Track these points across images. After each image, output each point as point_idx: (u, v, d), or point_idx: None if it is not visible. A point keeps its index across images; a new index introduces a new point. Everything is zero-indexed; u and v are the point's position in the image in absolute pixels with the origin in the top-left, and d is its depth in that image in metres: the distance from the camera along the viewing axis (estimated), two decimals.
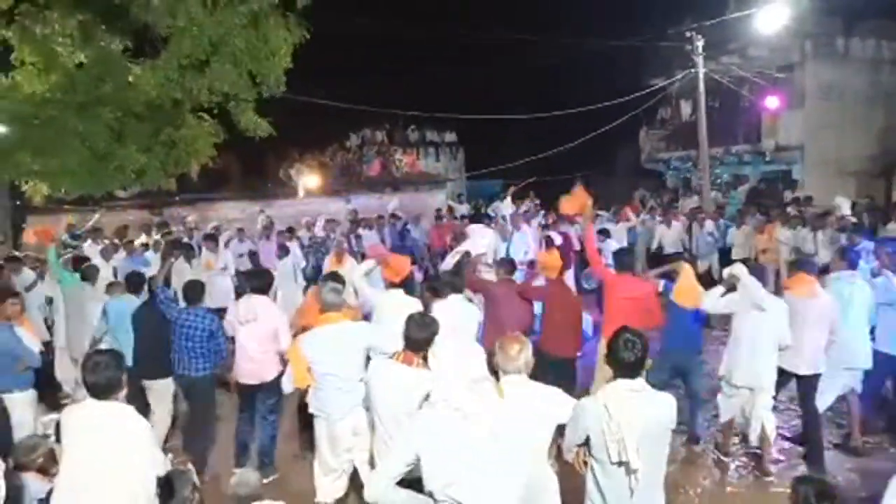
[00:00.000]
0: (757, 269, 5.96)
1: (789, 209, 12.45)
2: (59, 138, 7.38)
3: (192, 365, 5.42)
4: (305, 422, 5.63)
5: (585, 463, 3.08)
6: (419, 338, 3.57)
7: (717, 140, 17.34)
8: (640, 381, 3.00)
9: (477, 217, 16.90)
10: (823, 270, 5.99)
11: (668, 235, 12.85)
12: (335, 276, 5.12)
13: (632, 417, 2.87)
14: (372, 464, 4.05)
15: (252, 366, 5.39)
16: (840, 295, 5.49)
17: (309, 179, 17.46)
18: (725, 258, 11.53)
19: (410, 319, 3.64)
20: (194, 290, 5.60)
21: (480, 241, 9.28)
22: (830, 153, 16.80)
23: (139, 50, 8.06)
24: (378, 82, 16.98)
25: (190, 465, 3.80)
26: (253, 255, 10.92)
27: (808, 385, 5.45)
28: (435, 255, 14.29)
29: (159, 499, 3.24)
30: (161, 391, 5.77)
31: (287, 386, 5.27)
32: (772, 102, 16.56)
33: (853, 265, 5.82)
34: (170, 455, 3.62)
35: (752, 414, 5.31)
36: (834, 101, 17.01)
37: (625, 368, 2.98)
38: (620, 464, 2.88)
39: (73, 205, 14.75)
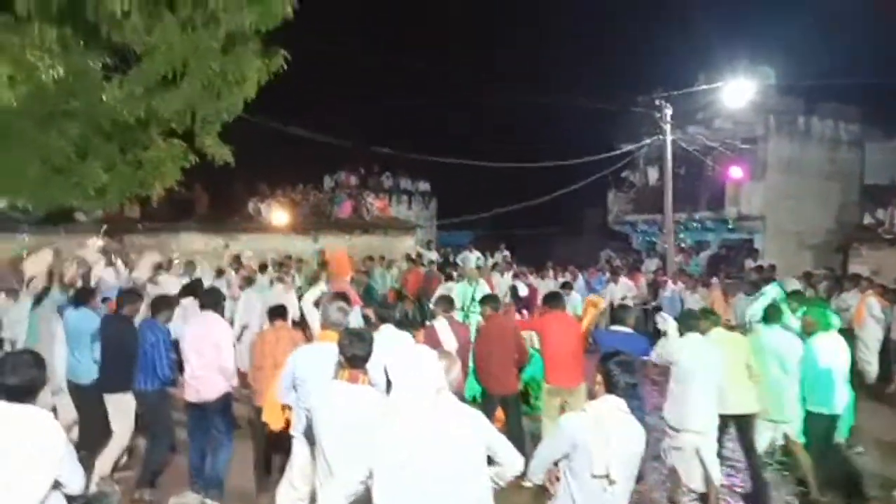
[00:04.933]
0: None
1: (752, 276, 12.71)
2: (19, 150, 7.15)
3: (141, 378, 5.34)
4: (262, 452, 5.59)
5: (557, 478, 3.14)
6: (361, 354, 3.42)
7: (682, 206, 17.81)
8: (624, 404, 3.12)
9: (445, 264, 16.95)
10: None
11: (616, 291, 13.16)
12: (343, 297, 5.10)
13: (619, 434, 3.02)
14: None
15: (195, 383, 5.32)
16: (759, 346, 5.77)
17: (278, 216, 17.27)
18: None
19: (348, 336, 3.50)
20: (163, 303, 5.70)
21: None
22: (790, 225, 17.35)
23: (116, 67, 7.92)
24: (355, 124, 17.12)
25: (115, 488, 3.53)
26: None
27: (745, 428, 5.61)
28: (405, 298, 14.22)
29: None
30: (122, 405, 5.57)
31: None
32: (735, 172, 17.14)
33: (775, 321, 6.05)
34: (96, 478, 3.36)
35: (697, 458, 5.34)
36: (794, 176, 17.69)
37: (620, 389, 3.13)
38: (604, 477, 2.97)
39: (30, 226, 14.34)
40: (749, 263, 15.83)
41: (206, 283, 10.66)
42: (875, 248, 14.89)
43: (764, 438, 5.79)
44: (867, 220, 15.92)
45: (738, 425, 5.61)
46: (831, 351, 5.71)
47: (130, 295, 6.25)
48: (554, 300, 6.65)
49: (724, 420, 5.50)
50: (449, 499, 2.67)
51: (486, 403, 6.02)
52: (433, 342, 5.66)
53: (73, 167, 7.35)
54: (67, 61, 7.37)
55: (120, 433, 5.55)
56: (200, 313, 5.63)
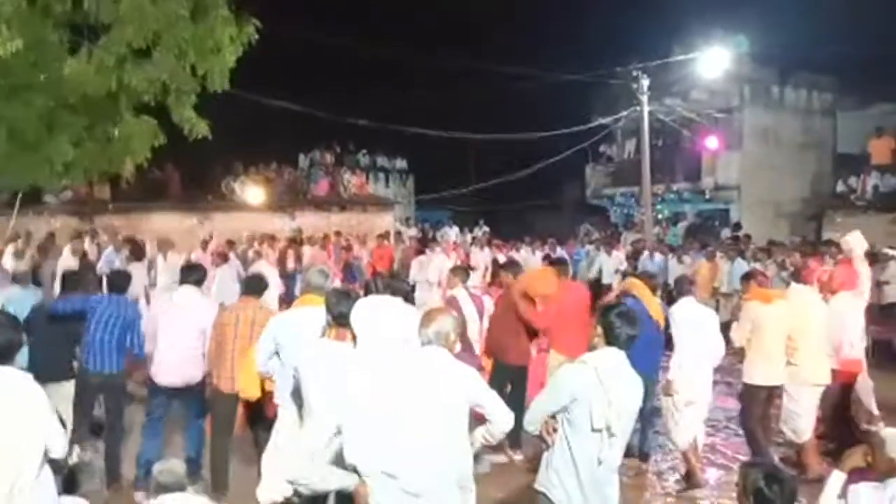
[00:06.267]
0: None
1: (727, 243, 12.91)
2: None
3: (107, 360, 4.97)
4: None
5: (555, 430, 3.09)
6: (348, 312, 3.31)
7: (659, 177, 17.92)
8: (624, 356, 3.09)
9: (424, 241, 16.93)
10: None
11: (609, 263, 13.15)
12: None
13: (620, 387, 2.99)
14: None
15: (175, 366, 5.00)
16: (798, 308, 5.52)
17: (253, 194, 17.01)
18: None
19: (335, 294, 3.48)
20: (121, 279, 5.33)
21: None
22: (766, 194, 17.55)
23: (78, 41, 7.66)
24: (331, 101, 16.81)
25: (98, 453, 3.46)
26: None
27: (772, 397, 5.53)
28: (378, 274, 14.21)
29: (63, 491, 2.92)
30: (63, 396, 5.11)
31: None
32: (711, 143, 17.24)
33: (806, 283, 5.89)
34: (76, 447, 3.29)
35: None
36: (769, 145, 17.89)
37: (621, 342, 3.08)
38: (603, 430, 2.94)
39: None
40: (725, 233, 16.01)
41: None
42: (848, 214, 15.10)
43: (812, 405, 5.53)
44: (840, 187, 16.16)
45: (769, 395, 5.51)
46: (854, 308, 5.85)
47: (75, 275, 5.98)
48: (561, 267, 6.33)
49: (760, 390, 5.46)
50: (420, 450, 2.64)
51: (499, 374, 5.83)
52: (458, 311, 5.46)
53: (40, 142, 7.13)
54: (26, 34, 7.10)
55: (68, 417, 5.29)
56: (183, 291, 5.27)
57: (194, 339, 5.02)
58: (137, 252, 10.18)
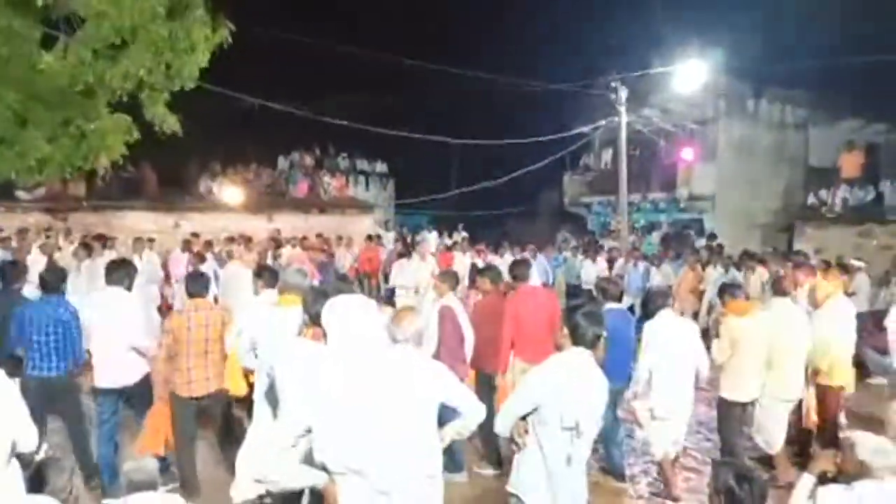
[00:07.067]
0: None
1: (701, 252, 13.09)
2: None
3: (45, 363, 4.73)
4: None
5: (526, 431, 3.13)
6: (321, 310, 3.32)
7: (636, 187, 18.11)
8: (591, 356, 3.13)
9: (403, 244, 16.92)
10: None
11: (592, 270, 13.26)
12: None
13: (587, 386, 3.05)
14: None
15: (114, 367, 4.88)
16: (777, 321, 5.43)
17: (231, 194, 16.84)
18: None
19: (312, 294, 3.49)
20: (54, 276, 5.06)
21: None
22: (740, 205, 17.84)
23: (54, 35, 7.58)
24: (312, 102, 16.72)
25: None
26: None
27: (748, 411, 5.46)
28: (364, 276, 14.25)
29: (30, 488, 2.87)
30: None
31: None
32: (687, 154, 17.48)
33: (785, 295, 5.75)
34: (45, 445, 3.24)
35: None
36: (743, 157, 18.17)
37: (587, 341, 3.11)
38: (573, 428, 2.98)
39: None
40: (700, 242, 16.24)
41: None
42: (818, 227, 15.45)
43: (785, 417, 5.48)
44: (811, 200, 16.50)
45: (745, 409, 5.44)
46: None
47: (16, 267, 5.83)
48: (520, 269, 5.97)
49: (736, 405, 5.37)
50: (390, 447, 2.65)
51: (485, 387, 5.45)
52: (454, 321, 5.36)
53: (13, 137, 7.02)
54: None
55: None
56: (108, 293, 5.02)
57: (125, 342, 4.87)
58: (89, 248, 10.00)
